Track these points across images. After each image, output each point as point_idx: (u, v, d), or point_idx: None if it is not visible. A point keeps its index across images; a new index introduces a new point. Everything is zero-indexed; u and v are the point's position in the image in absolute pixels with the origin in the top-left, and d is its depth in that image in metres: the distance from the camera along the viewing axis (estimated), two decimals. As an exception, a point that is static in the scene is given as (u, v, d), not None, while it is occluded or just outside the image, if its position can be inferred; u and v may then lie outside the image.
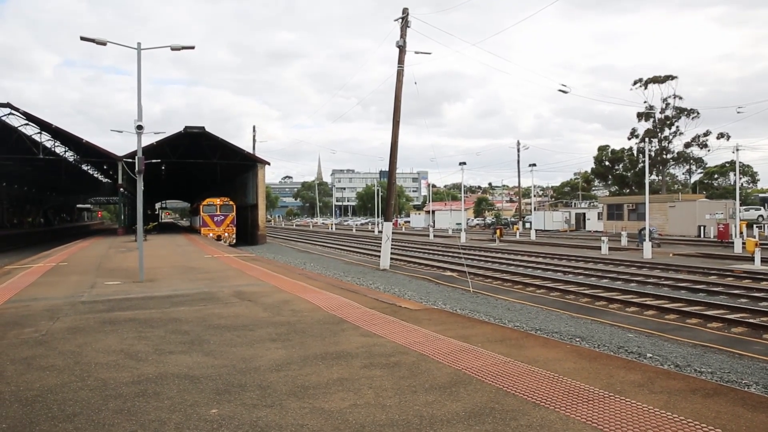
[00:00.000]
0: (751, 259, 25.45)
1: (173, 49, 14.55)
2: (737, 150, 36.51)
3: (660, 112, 68.90)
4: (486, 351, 6.68)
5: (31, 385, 5.57)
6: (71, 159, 52.08)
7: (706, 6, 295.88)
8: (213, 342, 7.35)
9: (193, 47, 14.76)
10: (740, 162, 39.47)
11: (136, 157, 14.21)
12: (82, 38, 13.83)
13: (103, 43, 14.01)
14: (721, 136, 67.42)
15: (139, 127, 14.03)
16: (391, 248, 27.35)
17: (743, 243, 31.72)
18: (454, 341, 7.18)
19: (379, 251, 28.70)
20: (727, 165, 77.50)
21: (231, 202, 45.36)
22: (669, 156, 71.30)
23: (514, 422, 4.45)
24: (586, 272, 23.67)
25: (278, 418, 4.62)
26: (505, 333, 7.99)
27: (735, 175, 40.66)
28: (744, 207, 56.05)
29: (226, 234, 43.51)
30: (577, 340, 11.76)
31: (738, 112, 32.99)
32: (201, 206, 44.93)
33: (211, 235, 42.31)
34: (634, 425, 4.34)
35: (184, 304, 10.52)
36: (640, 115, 70.98)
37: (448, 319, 8.97)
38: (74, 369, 6.14)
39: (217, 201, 44.64)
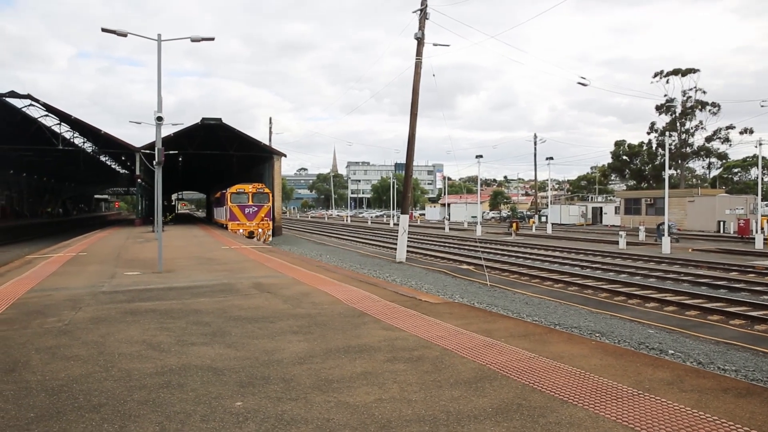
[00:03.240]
0: (773, 256, 25.07)
1: (193, 40, 14.55)
2: (760, 144, 35.89)
3: (681, 106, 67.91)
4: (509, 346, 6.61)
5: (57, 375, 5.60)
6: (89, 150, 52.55)
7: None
8: (234, 334, 7.35)
9: (212, 39, 14.76)
10: (762, 156, 38.74)
11: (156, 149, 14.25)
12: (104, 30, 13.88)
13: (124, 35, 14.05)
14: (744, 131, 66.35)
15: (159, 119, 14.06)
16: (407, 241, 27.29)
17: (765, 239, 31.26)
18: (476, 336, 7.12)
19: (395, 243, 28.64)
20: (748, 159, 76.29)
21: (266, 190, 37.79)
22: (689, 150, 70.30)
23: (543, 419, 4.38)
24: (604, 267, 23.46)
25: (304, 411, 4.60)
26: (527, 328, 7.91)
27: (758, 169, 39.96)
28: (765, 202, 55.20)
29: (260, 230, 36.00)
30: (597, 335, 11.65)
31: (762, 106, 32.39)
32: (228, 195, 36.84)
33: (241, 231, 34.99)
34: (666, 424, 4.26)
35: (203, 295, 10.55)
36: (659, 108, 70.06)
37: (469, 314, 8.90)
38: (98, 359, 6.17)
39: (249, 188, 37.04)
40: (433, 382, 5.29)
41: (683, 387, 5.13)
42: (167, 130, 37.59)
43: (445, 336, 7.13)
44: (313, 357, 6.21)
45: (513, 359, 6.06)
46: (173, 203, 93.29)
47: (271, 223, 37.46)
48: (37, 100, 37.86)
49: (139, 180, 41.13)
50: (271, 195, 38.25)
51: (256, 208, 36.39)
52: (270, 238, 36.32)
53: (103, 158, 61.10)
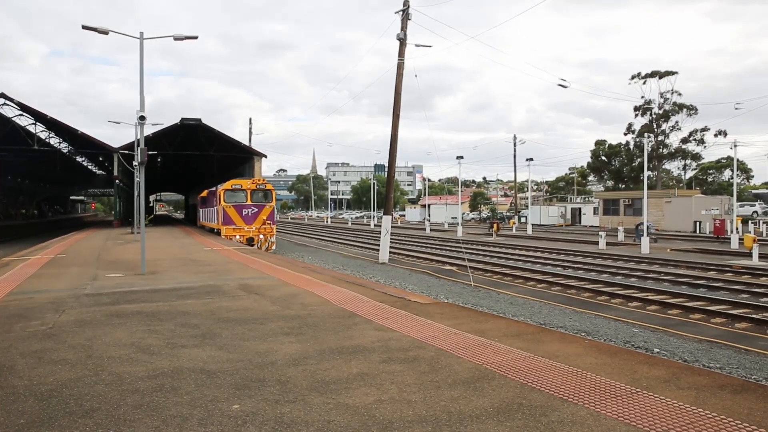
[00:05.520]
0: (749, 255, 25.55)
1: (176, 38, 14.34)
2: (735, 146, 36.61)
3: (658, 108, 68.97)
4: (504, 346, 6.61)
5: (45, 380, 5.45)
6: (66, 150, 51.62)
7: (696, 1, 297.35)
8: (225, 336, 7.24)
9: (196, 37, 14.56)
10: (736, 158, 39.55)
11: (139, 149, 14.02)
12: (84, 27, 13.61)
13: (105, 32, 13.79)
14: (719, 133, 67.63)
15: (142, 118, 13.84)
16: (389, 241, 27.26)
17: (740, 239, 31.85)
18: (470, 336, 7.11)
19: (377, 245, 28.60)
20: (722, 160, 77.76)
21: (269, 186, 31.89)
22: (666, 151, 71.41)
23: (545, 418, 4.37)
24: (586, 267, 23.69)
25: (303, 414, 4.53)
26: (519, 327, 7.93)
27: (733, 171, 40.76)
28: (738, 203, 56.31)
29: (261, 236, 30.02)
30: (583, 334, 11.73)
31: (736, 108, 33.06)
32: (220, 193, 30.34)
33: (238, 237, 29.30)
34: (667, 422, 4.28)
35: (190, 297, 10.40)
36: (637, 110, 71.08)
37: (460, 314, 8.89)
38: (87, 363, 6.02)
39: (248, 184, 31.04)
40: (431, 383, 5.26)
41: (680, 384, 5.16)
42: (146, 130, 37.04)
43: (438, 336, 7.10)
44: (307, 358, 6.14)
45: (509, 359, 6.05)
46: (151, 204, 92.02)
47: (274, 227, 31.27)
48: (11, 99, 37.07)
49: (117, 181, 40.53)
50: (274, 192, 32.04)
51: (256, 209, 30.29)
52: (274, 246, 30.61)
53: (79, 159, 60.11)
